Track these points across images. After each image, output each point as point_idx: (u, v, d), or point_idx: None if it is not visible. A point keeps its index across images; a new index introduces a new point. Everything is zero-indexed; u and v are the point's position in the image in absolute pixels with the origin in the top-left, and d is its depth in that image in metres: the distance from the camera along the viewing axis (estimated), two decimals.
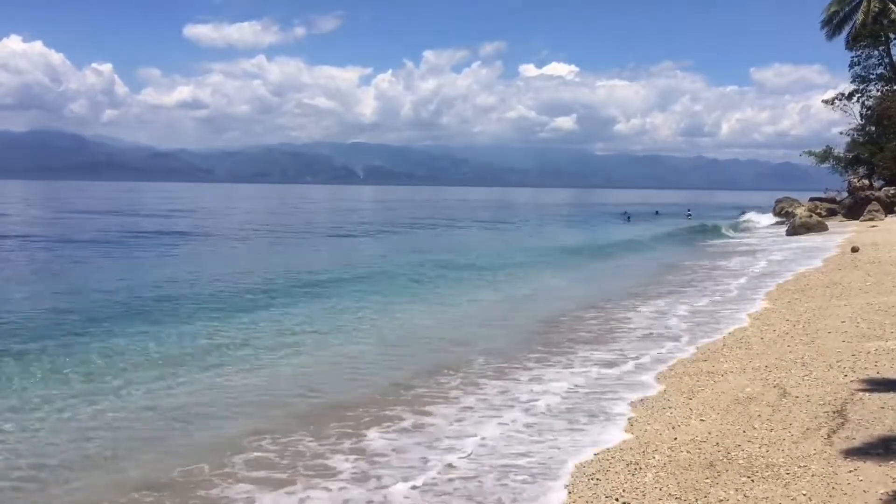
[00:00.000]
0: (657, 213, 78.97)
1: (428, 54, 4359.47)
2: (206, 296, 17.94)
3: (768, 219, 56.64)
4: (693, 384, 9.92)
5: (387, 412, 9.15)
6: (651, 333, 13.83)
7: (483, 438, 8.09)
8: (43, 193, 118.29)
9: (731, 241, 40.08)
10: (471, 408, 9.31)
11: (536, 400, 9.53)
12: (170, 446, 8.13)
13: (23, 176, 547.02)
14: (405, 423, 8.73)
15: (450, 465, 7.33)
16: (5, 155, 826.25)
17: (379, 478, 7.10)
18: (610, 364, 11.48)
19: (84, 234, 37.83)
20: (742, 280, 21.47)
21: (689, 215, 71.53)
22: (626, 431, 8.17)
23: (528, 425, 8.57)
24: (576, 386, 10.20)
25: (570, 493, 6.46)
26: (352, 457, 7.66)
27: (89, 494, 6.87)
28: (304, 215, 69.81)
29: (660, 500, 6.09)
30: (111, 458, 7.78)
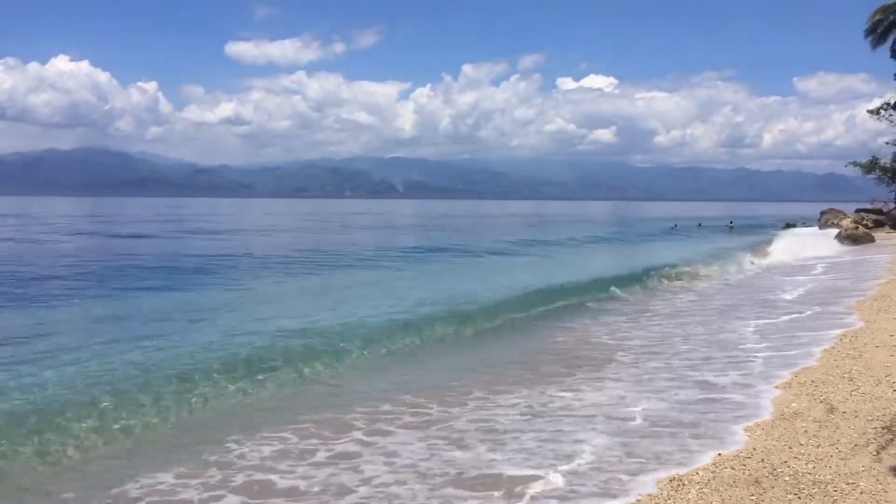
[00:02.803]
0: (700, 225, 78.35)
1: (466, 68, 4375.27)
2: None
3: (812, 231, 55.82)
4: None
5: None
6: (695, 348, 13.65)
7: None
8: (117, 210, 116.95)
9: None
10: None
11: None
12: None
13: (70, 192, 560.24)
14: None
15: None
16: (54, 172, 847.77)
17: None
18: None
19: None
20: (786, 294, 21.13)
21: (731, 226, 72.13)
22: None
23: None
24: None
25: None
26: None
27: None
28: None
29: None
30: None
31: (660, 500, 6.43)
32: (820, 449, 7.45)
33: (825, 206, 66.11)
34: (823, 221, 56.42)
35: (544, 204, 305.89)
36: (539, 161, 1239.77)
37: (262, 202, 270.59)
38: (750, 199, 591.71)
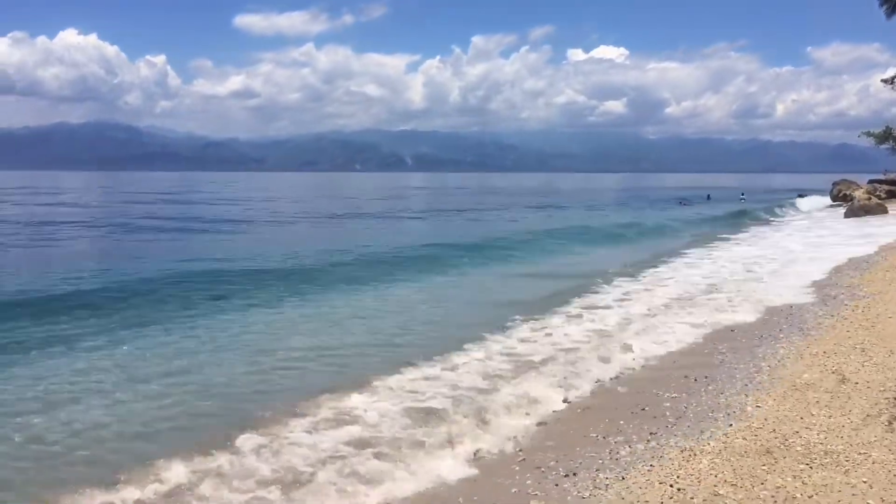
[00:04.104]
0: (709, 197, 77.64)
1: (476, 40, 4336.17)
2: None
3: (821, 202, 55.58)
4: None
5: None
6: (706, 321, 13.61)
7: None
8: (134, 185, 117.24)
9: (782, 223, 39.31)
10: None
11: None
12: None
13: (80, 167, 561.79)
14: None
15: None
16: (64, 146, 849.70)
17: None
18: None
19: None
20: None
21: (743, 198, 71.35)
22: None
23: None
24: None
25: (622, 478, 6.43)
26: None
27: None
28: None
29: (715, 486, 6.03)
30: None
31: (671, 471, 6.44)
32: (832, 419, 7.44)
33: (838, 178, 65.54)
34: (836, 192, 55.96)
35: (555, 176, 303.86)
36: (549, 133, 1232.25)
37: (278, 176, 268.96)
38: (762, 169, 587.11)
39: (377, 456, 7.30)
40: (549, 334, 12.56)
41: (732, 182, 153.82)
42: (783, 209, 52.88)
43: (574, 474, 6.65)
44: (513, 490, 6.52)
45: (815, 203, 58.09)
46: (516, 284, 19.50)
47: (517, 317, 13.89)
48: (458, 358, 10.96)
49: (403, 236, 32.94)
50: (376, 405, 8.81)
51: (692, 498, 5.86)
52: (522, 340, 12.17)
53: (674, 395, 8.87)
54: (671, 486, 6.13)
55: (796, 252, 24.14)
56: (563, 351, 11.34)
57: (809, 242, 27.45)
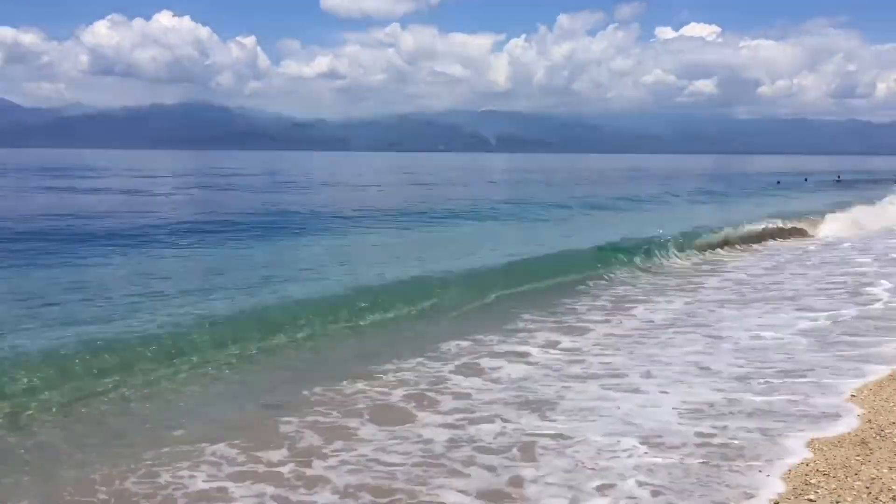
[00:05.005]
0: (805, 180, 74.90)
1: (562, 18, 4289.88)
2: None
3: None
4: None
5: None
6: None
7: None
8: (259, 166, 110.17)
9: None
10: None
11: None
12: None
13: (173, 146, 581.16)
14: None
15: None
16: (159, 126, 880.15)
17: None
18: None
19: None
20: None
21: (839, 180, 69.84)
22: None
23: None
24: None
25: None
26: None
27: None
28: None
29: (806, 475, 5.93)
30: None
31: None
32: None
33: None
34: None
35: (642, 158, 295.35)
36: (636, 114, 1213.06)
37: (364, 157, 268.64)
38: (861, 152, 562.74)
39: None
40: None
41: (830, 165, 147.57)
42: None
43: None
44: None
45: None
46: None
47: None
48: None
49: None
50: None
51: (781, 486, 5.78)
52: None
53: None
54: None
55: None
56: None
57: None
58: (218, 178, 65.62)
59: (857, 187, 59.38)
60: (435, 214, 31.65)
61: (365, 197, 43.34)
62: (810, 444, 6.58)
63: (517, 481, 6.06)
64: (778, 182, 66.97)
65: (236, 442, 6.93)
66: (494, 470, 6.29)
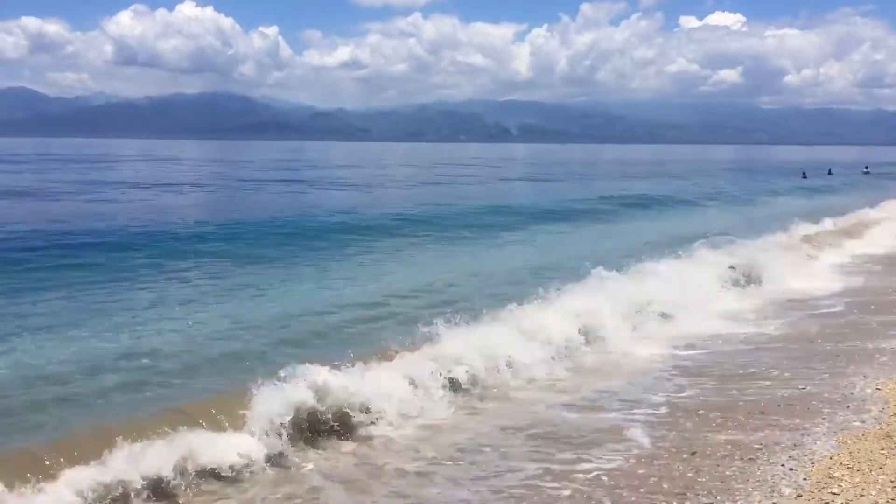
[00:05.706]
0: (830, 172, 73.35)
1: (585, 7, 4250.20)
2: None
3: None
4: None
5: None
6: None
7: None
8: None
9: None
10: None
11: None
12: None
13: (196, 136, 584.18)
14: None
15: None
16: (182, 117, 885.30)
17: None
18: None
19: None
20: None
21: (867, 171, 69.15)
22: None
23: None
24: None
25: None
26: None
27: None
28: None
29: (829, 468, 5.89)
30: None
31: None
32: None
33: None
34: None
35: (665, 148, 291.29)
36: (659, 103, 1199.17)
37: (388, 146, 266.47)
38: (888, 142, 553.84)
39: None
40: None
41: (856, 155, 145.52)
42: None
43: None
44: None
45: None
46: None
47: None
48: None
49: None
50: None
51: (804, 479, 5.74)
52: None
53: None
54: (782, 465, 6.03)
55: None
56: None
57: None
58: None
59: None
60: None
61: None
62: (834, 436, 6.54)
63: None
64: (804, 175, 65.35)
65: None
66: None
